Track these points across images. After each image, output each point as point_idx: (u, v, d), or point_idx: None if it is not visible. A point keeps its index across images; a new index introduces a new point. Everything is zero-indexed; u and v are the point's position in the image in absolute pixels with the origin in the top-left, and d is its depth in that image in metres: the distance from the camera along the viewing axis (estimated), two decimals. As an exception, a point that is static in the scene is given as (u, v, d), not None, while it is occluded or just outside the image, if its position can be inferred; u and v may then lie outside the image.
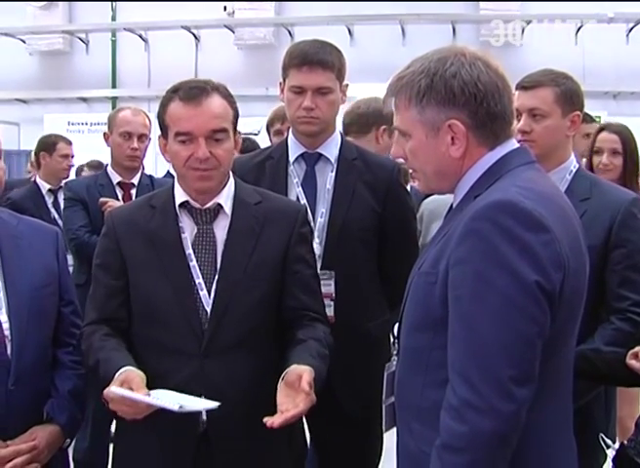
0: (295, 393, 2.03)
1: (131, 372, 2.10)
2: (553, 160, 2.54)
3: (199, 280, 2.26)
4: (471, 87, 1.70)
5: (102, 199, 3.85)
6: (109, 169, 4.10)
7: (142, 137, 4.02)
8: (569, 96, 2.56)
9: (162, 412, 2.03)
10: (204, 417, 2.21)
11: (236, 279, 2.26)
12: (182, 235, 2.30)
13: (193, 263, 2.27)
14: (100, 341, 2.26)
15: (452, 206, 1.84)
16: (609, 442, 2.30)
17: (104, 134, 4.14)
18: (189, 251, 2.28)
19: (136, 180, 4.07)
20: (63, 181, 4.85)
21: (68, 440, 2.33)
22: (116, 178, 4.04)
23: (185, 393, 2.16)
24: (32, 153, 5.71)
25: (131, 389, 2.02)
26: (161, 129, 2.32)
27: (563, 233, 1.63)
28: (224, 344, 2.23)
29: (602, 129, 3.92)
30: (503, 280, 1.56)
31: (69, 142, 5.70)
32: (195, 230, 2.31)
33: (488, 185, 1.70)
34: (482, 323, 1.57)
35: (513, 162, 1.74)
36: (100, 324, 2.32)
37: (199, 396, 2.17)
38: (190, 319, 2.24)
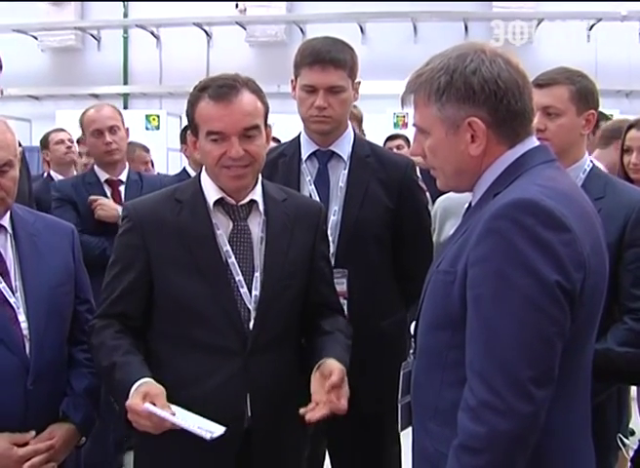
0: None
1: (152, 386, 2.07)
2: (567, 158, 2.52)
3: (239, 277, 2.25)
4: (492, 84, 1.68)
5: (92, 197, 3.87)
6: (96, 167, 4.07)
7: (113, 129, 3.98)
8: (584, 94, 2.54)
9: (205, 412, 2.05)
10: (249, 414, 2.23)
11: (277, 276, 2.27)
12: (217, 231, 2.27)
13: (232, 260, 2.26)
14: (114, 340, 2.23)
15: (470, 204, 1.82)
16: (627, 442, 2.29)
17: (80, 139, 4.13)
18: (227, 247, 2.26)
19: (123, 177, 4.05)
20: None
21: (84, 438, 2.33)
22: (103, 176, 4.02)
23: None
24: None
25: (154, 404, 1.99)
26: (190, 126, 2.30)
27: (584, 232, 1.62)
28: (267, 342, 2.24)
29: (631, 126, 3.73)
30: (524, 280, 1.54)
31: (61, 129, 5.84)
32: (231, 226, 2.29)
33: (507, 183, 1.69)
34: (501, 323, 1.56)
35: (534, 160, 1.73)
36: (111, 318, 2.28)
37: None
38: (232, 317, 2.23)
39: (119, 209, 3.80)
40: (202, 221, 2.28)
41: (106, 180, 4.02)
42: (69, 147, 5.69)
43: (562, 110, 2.52)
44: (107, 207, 3.84)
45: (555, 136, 2.51)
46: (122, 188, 4.05)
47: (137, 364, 2.17)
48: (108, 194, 4.00)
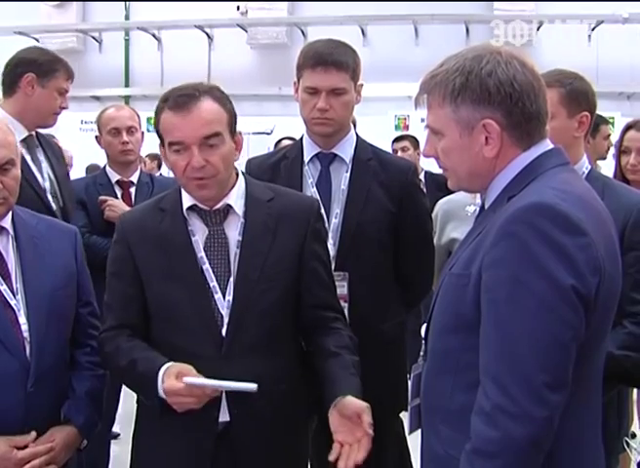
0: (351, 425, 2.06)
1: (180, 365, 2.12)
2: None
3: (213, 283, 2.25)
4: (507, 86, 1.67)
5: (102, 197, 3.85)
6: (107, 168, 4.07)
7: (131, 130, 3.98)
8: (575, 96, 2.52)
9: (180, 416, 2.09)
10: (227, 418, 2.23)
11: (253, 280, 2.24)
12: (193, 238, 2.27)
13: (206, 266, 2.25)
14: (128, 342, 2.27)
15: (483, 207, 1.82)
16: (634, 445, 2.28)
17: (96, 137, 4.12)
18: (201, 254, 2.26)
19: (134, 178, 4.04)
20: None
21: (85, 441, 2.33)
22: (115, 177, 4.00)
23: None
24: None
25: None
26: (159, 138, 2.30)
27: (599, 236, 1.61)
28: (243, 347, 2.22)
29: (629, 127, 3.77)
30: (539, 284, 1.54)
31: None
32: (206, 232, 2.29)
33: (522, 187, 1.68)
34: (516, 327, 1.55)
35: (548, 163, 1.72)
36: (118, 329, 2.31)
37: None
38: (207, 322, 2.23)
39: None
40: (179, 229, 2.29)
41: (117, 182, 4.02)
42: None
43: (552, 113, 2.49)
44: (117, 208, 3.81)
45: None
46: (133, 190, 4.04)
47: (156, 355, 2.20)
48: (119, 195, 3.98)
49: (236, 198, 2.30)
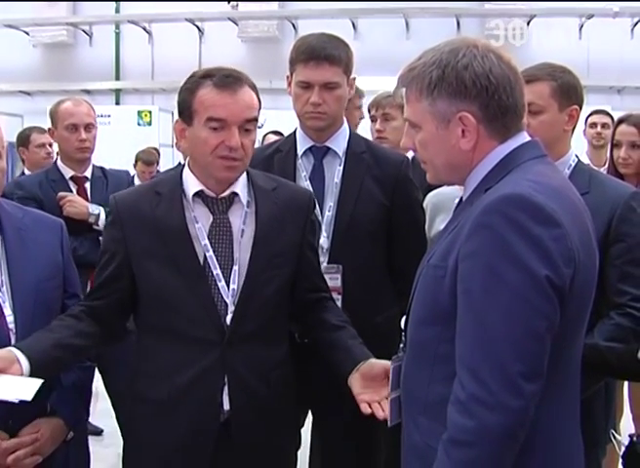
0: (375, 385, 2.11)
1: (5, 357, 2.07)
2: (551, 154, 2.48)
3: (216, 271, 2.25)
4: (483, 79, 1.68)
5: (61, 193, 3.77)
6: (59, 163, 3.97)
7: (89, 127, 3.91)
8: (565, 90, 2.54)
9: (183, 401, 2.15)
10: (227, 405, 2.24)
11: (259, 269, 2.27)
12: (197, 225, 2.27)
13: (210, 254, 2.25)
14: (54, 320, 2.26)
15: (461, 199, 1.83)
16: (619, 438, 2.29)
17: (49, 129, 4.01)
18: (205, 241, 2.26)
19: (88, 173, 3.96)
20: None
21: (72, 433, 2.32)
22: (68, 173, 3.91)
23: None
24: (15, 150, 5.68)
25: None
26: (182, 113, 2.28)
27: (574, 228, 1.62)
28: (246, 333, 2.24)
29: (621, 121, 3.80)
30: (514, 274, 1.54)
31: (43, 131, 5.66)
32: (211, 220, 2.29)
33: (499, 178, 1.69)
34: (491, 317, 1.55)
35: (524, 155, 1.73)
36: (82, 302, 2.35)
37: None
38: (208, 309, 2.23)
39: (89, 206, 3.77)
40: (177, 215, 2.28)
41: (72, 177, 3.92)
42: (49, 153, 5.58)
43: (543, 107, 2.51)
44: (77, 203, 3.76)
45: (537, 132, 2.48)
46: (87, 185, 3.95)
47: (31, 337, 2.17)
48: (74, 191, 3.89)
49: (242, 186, 2.33)
